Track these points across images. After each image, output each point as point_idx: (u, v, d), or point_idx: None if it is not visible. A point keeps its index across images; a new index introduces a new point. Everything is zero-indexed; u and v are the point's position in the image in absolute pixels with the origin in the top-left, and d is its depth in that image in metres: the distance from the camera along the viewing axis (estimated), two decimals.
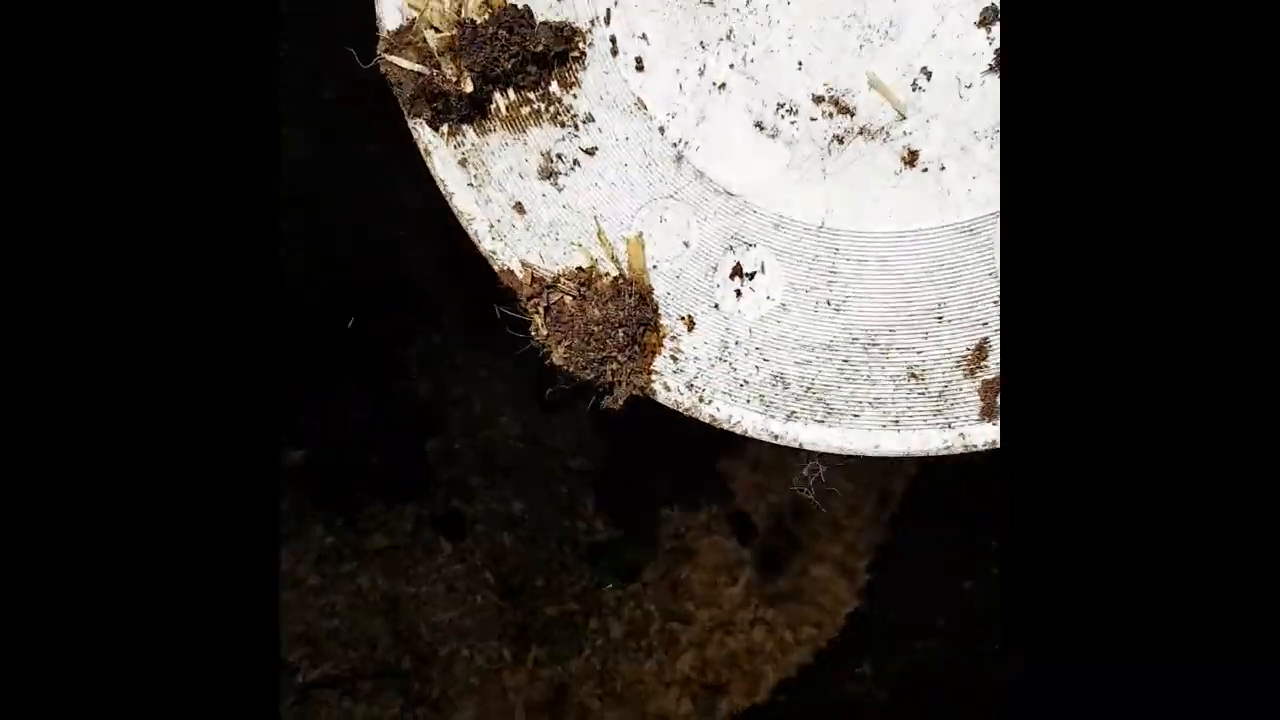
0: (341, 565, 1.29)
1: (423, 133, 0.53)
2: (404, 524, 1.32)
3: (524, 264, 0.52)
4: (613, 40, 0.53)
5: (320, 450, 1.31)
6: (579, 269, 0.52)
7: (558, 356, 0.51)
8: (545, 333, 0.51)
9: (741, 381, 0.52)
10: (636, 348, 0.51)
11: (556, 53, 0.51)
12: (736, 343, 0.52)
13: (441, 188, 0.53)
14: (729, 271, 0.52)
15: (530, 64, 0.50)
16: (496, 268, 0.53)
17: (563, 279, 0.51)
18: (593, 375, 0.52)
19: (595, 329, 0.50)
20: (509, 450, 1.36)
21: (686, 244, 0.53)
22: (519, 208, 0.52)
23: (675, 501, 1.38)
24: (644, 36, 0.52)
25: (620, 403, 0.52)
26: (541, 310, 0.51)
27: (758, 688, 1.44)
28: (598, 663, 1.38)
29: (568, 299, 0.51)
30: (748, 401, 0.53)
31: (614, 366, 0.51)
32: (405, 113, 0.53)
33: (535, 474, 1.37)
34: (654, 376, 0.52)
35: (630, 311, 0.51)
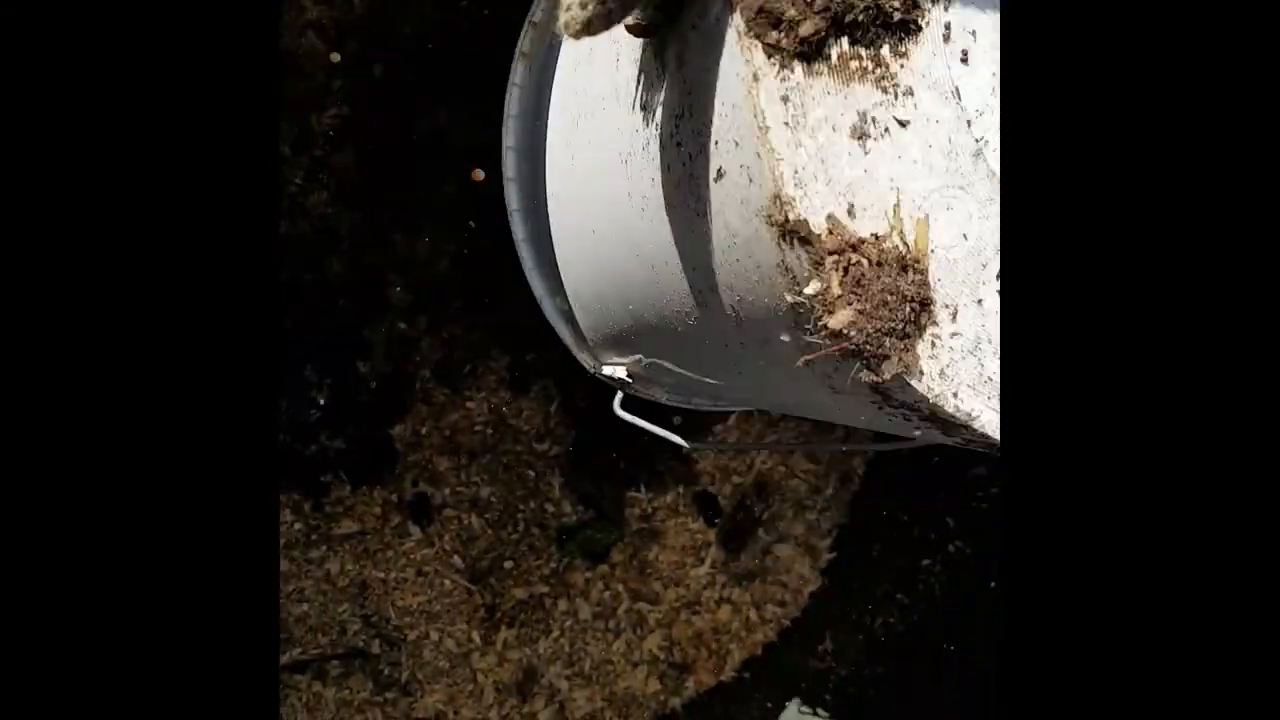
0: (310, 551, 1.29)
1: (755, 56, 0.49)
2: (372, 509, 1.32)
3: (831, 217, 0.49)
4: (947, 27, 0.52)
5: (287, 437, 1.30)
6: (875, 236, 0.50)
7: (842, 319, 0.49)
8: (838, 293, 0.49)
9: (987, 378, 0.52)
10: (914, 326, 0.50)
11: (899, 20, 0.49)
12: (989, 340, 0.52)
13: (759, 120, 0.50)
14: (998, 271, 0.52)
15: (878, 22, 0.49)
16: (792, 216, 0.50)
17: (867, 242, 0.49)
18: (872, 346, 0.50)
19: (889, 298, 0.48)
20: (476, 435, 1.37)
21: (965, 236, 0.52)
22: (823, 160, 0.50)
23: (642, 483, 1.40)
24: (974, 33, 0.52)
25: (887, 377, 0.50)
26: (841, 269, 0.49)
27: (723, 666, 1.46)
28: (566, 644, 1.39)
29: (865, 262, 0.49)
30: (988, 398, 0.53)
31: (893, 340, 0.50)
32: (744, 31, 0.49)
33: (503, 458, 1.37)
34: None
35: (916, 289, 0.49)
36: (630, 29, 0.58)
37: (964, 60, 0.52)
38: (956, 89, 0.52)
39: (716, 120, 0.55)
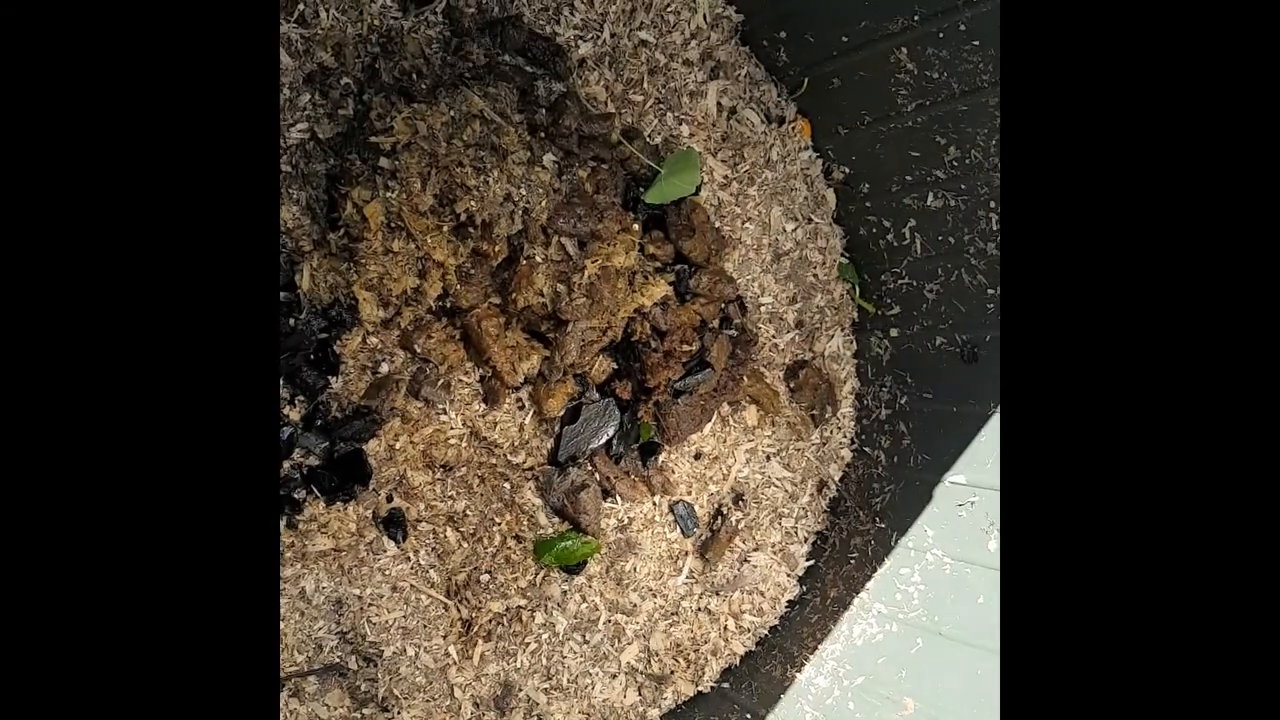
0: (285, 569, 1.28)
1: None
2: (347, 526, 1.31)
3: None
4: None
5: None
6: None
7: None
8: None
9: None
10: None
11: None
12: None
13: None
14: None
15: None
16: None
17: None
18: None
19: None
20: (450, 448, 1.36)
21: None
22: None
23: (618, 494, 1.39)
24: None
25: None
26: None
27: (702, 676, 1.46)
28: (544, 657, 1.39)
29: None
30: None
31: None
32: None
33: (478, 471, 1.36)
34: None
35: None
36: None
37: None
38: None
39: None
